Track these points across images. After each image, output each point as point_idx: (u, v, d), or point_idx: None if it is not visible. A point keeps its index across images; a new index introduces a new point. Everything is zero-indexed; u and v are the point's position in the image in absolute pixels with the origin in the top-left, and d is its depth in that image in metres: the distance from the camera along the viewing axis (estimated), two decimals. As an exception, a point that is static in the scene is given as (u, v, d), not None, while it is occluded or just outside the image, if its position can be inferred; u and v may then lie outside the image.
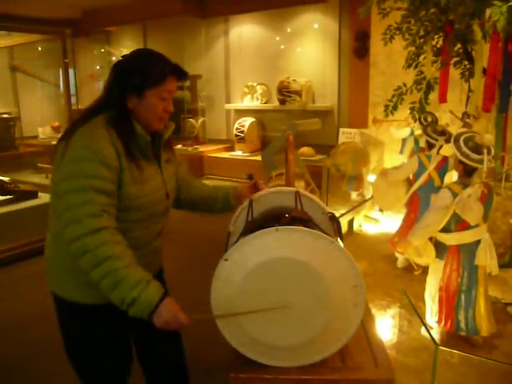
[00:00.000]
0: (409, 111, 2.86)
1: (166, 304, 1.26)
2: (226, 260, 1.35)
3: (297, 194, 1.75)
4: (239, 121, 7.44)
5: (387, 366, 1.39)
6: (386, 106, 2.92)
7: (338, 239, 1.52)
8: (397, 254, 3.55)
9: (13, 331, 2.83)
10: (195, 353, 1.81)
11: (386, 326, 2.57)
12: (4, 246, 3.78)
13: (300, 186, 2.63)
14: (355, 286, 1.33)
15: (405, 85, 2.86)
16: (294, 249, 1.31)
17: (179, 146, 7.66)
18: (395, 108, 2.90)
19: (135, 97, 1.41)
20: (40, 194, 4.34)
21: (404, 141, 5.12)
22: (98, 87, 8.83)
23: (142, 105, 1.42)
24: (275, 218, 1.62)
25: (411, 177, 3.58)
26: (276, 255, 1.31)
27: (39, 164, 6.99)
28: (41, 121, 8.55)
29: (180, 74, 1.48)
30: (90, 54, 9.12)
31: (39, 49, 8.13)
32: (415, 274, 2.47)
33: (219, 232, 1.78)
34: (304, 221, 1.56)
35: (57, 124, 8.07)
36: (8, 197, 4.16)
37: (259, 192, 1.76)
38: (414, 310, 2.19)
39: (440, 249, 2.49)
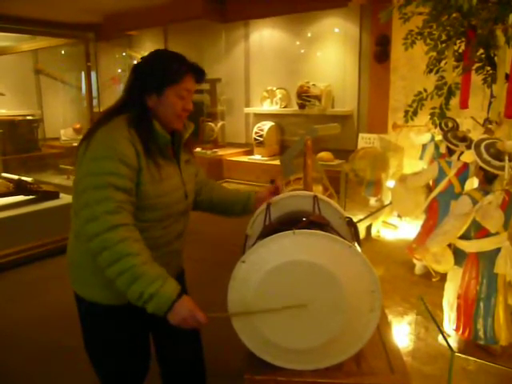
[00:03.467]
0: (429, 117, 2.83)
1: (183, 301, 1.27)
2: (243, 262, 1.36)
3: (315, 198, 1.76)
4: (258, 125, 7.46)
5: (403, 372, 1.38)
6: (406, 112, 2.90)
7: (356, 244, 1.52)
8: (415, 261, 3.52)
9: (29, 333, 2.88)
10: (211, 354, 1.81)
11: (403, 333, 2.55)
12: (26, 245, 3.87)
13: (318, 190, 2.62)
14: (372, 291, 1.32)
15: (425, 90, 2.84)
16: (311, 252, 1.31)
17: (198, 150, 7.71)
18: (415, 113, 2.88)
19: (155, 95, 1.44)
20: (61, 194, 4.42)
21: (424, 146, 5.07)
22: (119, 90, 8.96)
23: (161, 103, 1.44)
24: (292, 222, 1.63)
25: (431, 183, 3.55)
26: (293, 258, 1.32)
27: (61, 165, 7.12)
28: (63, 123, 8.72)
29: (198, 72, 1.50)
30: (111, 58, 9.27)
31: (62, 52, 8.31)
32: (433, 281, 2.45)
33: (236, 234, 1.80)
34: (321, 225, 1.56)
35: (78, 126, 8.22)
36: (30, 197, 4.25)
37: (277, 196, 1.77)
38: (430, 317, 2.17)
39: (459, 256, 2.46)
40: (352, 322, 1.33)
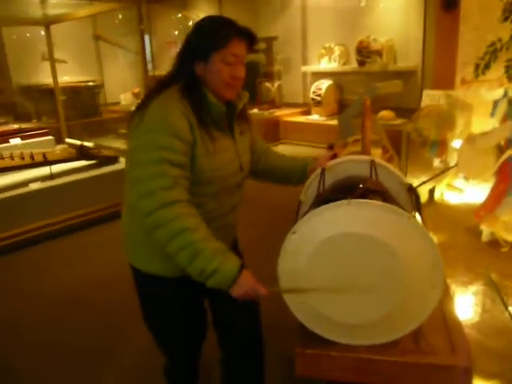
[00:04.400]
0: (504, 70, 2.57)
1: (244, 276, 1.26)
2: (294, 233, 1.30)
3: (372, 163, 1.65)
4: (316, 84, 7.23)
5: (465, 352, 1.29)
6: (477, 65, 2.65)
7: (416, 214, 1.41)
8: (482, 227, 3.29)
9: (92, 294, 3.02)
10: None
11: (467, 305, 2.40)
12: (87, 209, 4.03)
13: (377, 153, 2.48)
14: (433, 266, 1.22)
15: (500, 40, 2.56)
16: (366, 224, 1.22)
17: (255, 111, 7.63)
18: (488, 67, 2.64)
19: (202, 62, 1.38)
20: (120, 159, 4.54)
21: (496, 103, 4.67)
22: (176, 53, 8.96)
23: (208, 70, 1.38)
24: (348, 189, 1.54)
25: (502, 143, 3.26)
26: (347, 230, 1.24)
27: (120, 130, 7.31)
28: (122, 87, 8.89)
29: (248, 36, 1.41)
30: (167, 20, 9.23)
31: (119, 17, 8.36)
32: (502, 251, 2.27)
33: (291, 200, 1.73)
34: (379, 193, 1.46)
35: (137, 90, 8.35)
36: (92, 162, 4.40)
37: (332, 161, 1.68)
38: (495, 289, 2.02)
39: (533, 225, 2.26)
40: (410, 298, 1.24)
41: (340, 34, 7.11)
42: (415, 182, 4.77)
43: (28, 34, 7.82)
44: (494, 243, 3.03)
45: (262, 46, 7.79)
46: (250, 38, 1.43)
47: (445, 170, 4.48)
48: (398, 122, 6.05)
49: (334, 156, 1.68)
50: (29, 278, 3.32)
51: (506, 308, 2.03)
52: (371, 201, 1.23)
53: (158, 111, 1.33)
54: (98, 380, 2.27)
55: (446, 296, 1.59)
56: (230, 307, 1.67)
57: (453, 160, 4.67)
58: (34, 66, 7.85)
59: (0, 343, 2.60)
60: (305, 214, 1.42)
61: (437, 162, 4.84)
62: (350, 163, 1.68)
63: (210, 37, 1.37)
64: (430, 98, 5.59)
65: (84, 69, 8.87)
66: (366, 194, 1.42)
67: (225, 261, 1.24)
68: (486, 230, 3.26)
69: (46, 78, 6.99)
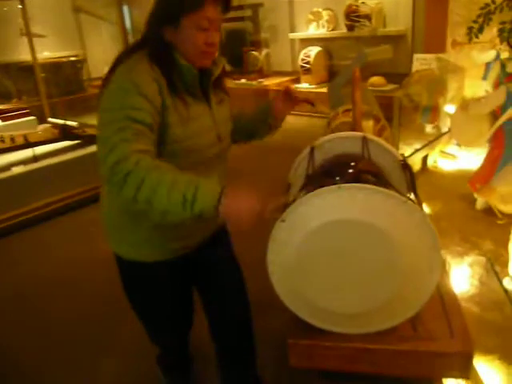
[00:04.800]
0: (497, 33, 2.46)
1: (231, 191, 1.09)
2: (283, 221, 1.22)
3: (364, 140, 1.57)
4: (304, 51, 7.02)
5: (465, 337, 1.25)
6: (470, 29, 2.54)
7: (412, 195, 1.34)
8: (476, 195, 3.25)
9: (88, 274, 2.96)
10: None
11: (463, 277, 2.37)
12: (73, 191, 3.92)
13: (368, 126, 2.40)
14: (430, 248, 1.16)
15: (494, 1, 2.44)
16: (359, 209, 1.15)
17: (243, 81, 7.44)
18: (481, 30, 2.53)
19: (172, 27, 1.25)
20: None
21: (488, 65, 4.56)
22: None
23: (179, 36, 1.25)
24: (339, 169, 1.46)
25: (496, 109, 3.17)
26: (339, 216, 1.17)
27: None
28: (106, 61, 8.58)
29: None
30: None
31: (99, -14, 8.02)
32: (498, 223, 2.21)
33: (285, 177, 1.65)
34: (371, 173, 1.39)
35: (121, 63, 8.07)
36: (76, 142, 4.26)
37: (322, 138, 1.60)
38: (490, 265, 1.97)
39: (530, 195, 2.20)
40: (408, 284, 1.19)
41: (328, -2, 6.88)
42: (408, 150, 4.68)
43: (5, 8, 7.49)
44: (489, 211, 2.98)
45: (247, 13, 7.54)
46: (224, 1, 1.29)
47: (438, 136, 4.40)
48: (389, 87, 5.92)
49: (287, 93, 1.56)
50: (19, 263, 3.26)
51: (498, 277, 1.98)
52: (363, 185, 1.15)
53: (125, 74, 1.22)
54: (98, 363, 2.22)
55: (443, 276, 1.54)
56: (216, 289, 1.63)
57: (445, 126, 4.58)
58: (12, 42, 7.55)
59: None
60: (295, 198, 1.35)
61: (429, 128, 4.75)
62: (340, 140, 1.60)
63: None
64: (421, 61, 5.45)
65: (65, 43, 8.54)
66: (358, 175, 1.35)
67: (203, 180, 1.10)
68: (480, 198, 3.22)
69: (25, 55, 6.74)
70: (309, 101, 1.63)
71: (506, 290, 1.81)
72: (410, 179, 1.49)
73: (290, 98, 1.57)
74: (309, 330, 1.29)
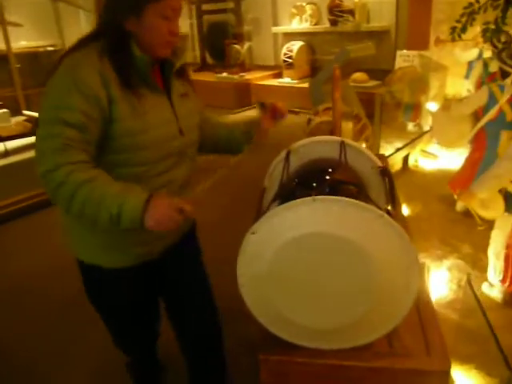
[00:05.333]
0: (479, 30, 2.42)
1: (154, 200, 1.10)
2: (253, 233, 1.15)
3: (342, 144, 1.51)
4: (287, 45, 6.95)
5: (442, 354, 1.19)
6: (453, 28, 2.49)
7: (389, 206, 1.28)
8: (456, 196, 3.23)
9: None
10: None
11: (442, 281, 2.35)
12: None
13: (348, 127, 2.35)
14: (408, 267, 1.10)
15: (478, 1, 2.40)
16: (333, 223, 1.09)
17: (224, 74, 7.33)
18: (464, 30, 2.48)
19: (134, 16, 1.18)
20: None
21: (470, 64, 4.56)
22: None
23: (142, 26, 1.19)
24: (314, 176, 1.40)
25: (478, 110, 3.14)
26: (313, 230, 1.10)
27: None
28: (86, 51, 8.39)
29: None
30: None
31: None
32: (479, 230, 2.17)
33: (260, 179, 1.58)
34: (350, 182, 1.33)
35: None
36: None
37: (298, 142, 1.53)
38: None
39: (510, 201, 2.16)
40: (384, 301, 1.13)
41: (311, -8, 6.80)
42: (389, 148, 4.65)
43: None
44: (469, 213, 2.95)
45: (230, 5, 7.42)
46: None
47: (419, 135, 4.39)
48: (372, 83, 5.89)
49: (274, 113, 1.51)
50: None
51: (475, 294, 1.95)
52: (339, 198, 1.09)
53: (67, 67, 1.17)
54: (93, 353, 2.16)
55: (421, 287, 1.50)
56: (185, 303, 1.58)
57: (427, 124, 4.57)
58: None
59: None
60: (268, 208, 1.29)
61: (411, 126, 4.74)
62: (317, 144, 1.53)
63: None
64: (404, 58, 5.42)
65: (43, 32, 8.30)
66: (335, 184, 1.29)
67: (128, 195, 1.10)
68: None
69: (1, 44, 6.52)
70: (295, 111, 1.60)
71: (478, 300, 1.78)
72: (389, 187, 1.43)
73: (277, 115, 1.51)
74: (281, 344, 1.23)
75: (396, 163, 4.02)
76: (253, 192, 1.59)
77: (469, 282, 2.08)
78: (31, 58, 7.21)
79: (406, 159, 4.20)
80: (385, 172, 1.48)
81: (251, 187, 1.56)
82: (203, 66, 8.26)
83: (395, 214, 1.22)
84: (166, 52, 1.25)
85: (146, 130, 1.22)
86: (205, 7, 7.91)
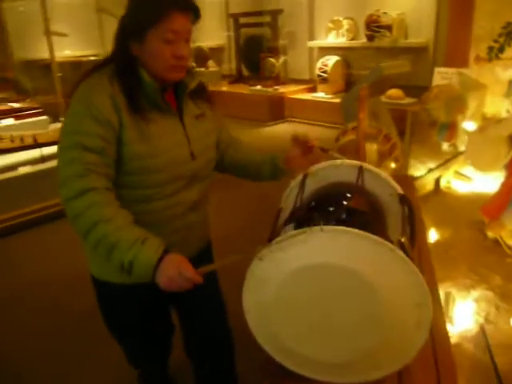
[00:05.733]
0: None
1: (167, 261, 1.11)
2: (260, 260, 1.13)
3: (360, 169, 1.47)
4: (322, 59, 6.93)
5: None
6: (491, 48, 2.40)
7: (403, 238, 1.23)
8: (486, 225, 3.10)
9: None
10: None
11: (468, 313, 2.24)
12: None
13: (372, 149, 2.29)
14: (419, 304, 1.05)
15: (515, 21, 2.31)
16: (342, 254, 1.05)
17: (258, 87, 7.37)
18: (501, 50, 2.38)
19: (136, 42, 1.20)
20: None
21: (511, 83, 4.40)
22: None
23: (145, 51, 1.20)
24: (332, 200, 1.37)
25: (515, 133, 3.02)
26: (320, 260, 1.07)
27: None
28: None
29: (191, 7, 1.21)
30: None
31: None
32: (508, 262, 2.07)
33: (275, 196, 1.56)
34: (362, 214, 1.29)
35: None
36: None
37: (315, 165, 1.50)
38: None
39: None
40: (393, 337, 1.08)
41: (348, 7, 6.77)
42: (421, 168, 4.53)
43: (31, 7, 7.56)
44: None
45: (266, 19, 7.47)
46: (193, 10, 1.22)
47: (453, 156, 4.25)
48: (407, 101, 5.80)
49: (309, 148, 1.47)
50: (26, 262, 3.22)
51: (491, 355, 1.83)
52: (348, 229, 1.05)
53: (81, 93, 1.20)
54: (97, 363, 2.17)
55: (438, 317, 1.43)
56: (194, 311, 1.56)
57: (463, 144, 4.43)
58: (37, 40, 7.61)
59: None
60: (281, 231, 1.27)
61: (445, 146, 4.60)
62: (335, 168, 1.50)
63: (142, 11, 1.19)
64: (442, 75, 5.30)
65: (86, 42, 8.60)
66: (347, 214, 1.25)
67: (141, 249, 1.10)
68: (492, 227, 3.07)
69: (47, 53, 6.77)
70: (324, 149, 1.57)
71: (489, 349, 1.67)
72: (409, 214, 1.38)
73: (309, 152, 1.47)
74: (286, 374, 1.20)
75: (428, 184, 3.90)
76: (270, 209, 1.57)
77: (482, 330, 1.96)
78: (75, 66, 7.45)
79: (438, 180, 4.07)
80: (404, 200, 1.43)
81: (268, 203, 1.53)
82: (239, 78, 8.34)
83: (410, 247, 1.18)
84: (175, 76, 1.25)
85: (157, 154, 1.23)
86: (242, 20, 8.00)
